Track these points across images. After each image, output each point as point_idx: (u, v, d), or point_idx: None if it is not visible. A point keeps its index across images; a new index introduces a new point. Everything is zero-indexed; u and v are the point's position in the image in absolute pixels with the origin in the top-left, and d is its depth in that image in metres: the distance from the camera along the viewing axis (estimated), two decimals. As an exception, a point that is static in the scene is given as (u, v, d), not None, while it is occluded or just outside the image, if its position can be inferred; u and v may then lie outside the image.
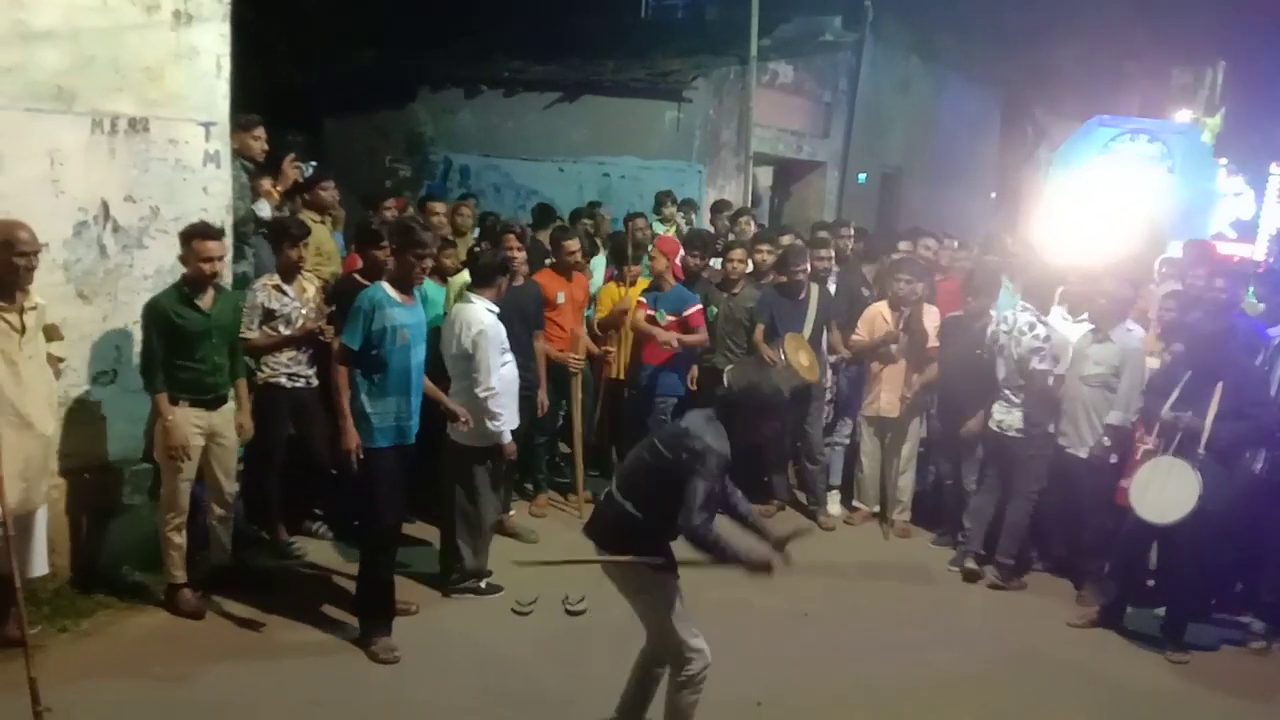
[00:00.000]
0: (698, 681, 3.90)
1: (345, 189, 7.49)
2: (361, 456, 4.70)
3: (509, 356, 5.48)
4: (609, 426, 7.23)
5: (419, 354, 4.85)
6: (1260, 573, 5.65)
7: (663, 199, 9.60)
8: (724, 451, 3.74)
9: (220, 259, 4.99)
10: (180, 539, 4.99)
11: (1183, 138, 9.28)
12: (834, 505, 7.15)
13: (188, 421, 4.91)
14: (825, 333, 6.89)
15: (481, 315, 5.25)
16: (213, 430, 5.03)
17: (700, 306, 6.68)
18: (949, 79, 16.15)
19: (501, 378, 5.32)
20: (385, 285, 4.80)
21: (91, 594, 5.04)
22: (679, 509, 3.67)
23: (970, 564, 6.14)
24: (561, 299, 6.57)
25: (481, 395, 5.19)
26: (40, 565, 4.66)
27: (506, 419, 5.37)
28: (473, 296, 5.34)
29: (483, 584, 5.50)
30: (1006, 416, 5.95)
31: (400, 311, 4.73)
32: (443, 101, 12.24)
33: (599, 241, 8.29)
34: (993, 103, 18.04)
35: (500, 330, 5.34)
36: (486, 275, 5.43)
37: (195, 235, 4.86)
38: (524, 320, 6.07)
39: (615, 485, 4.00)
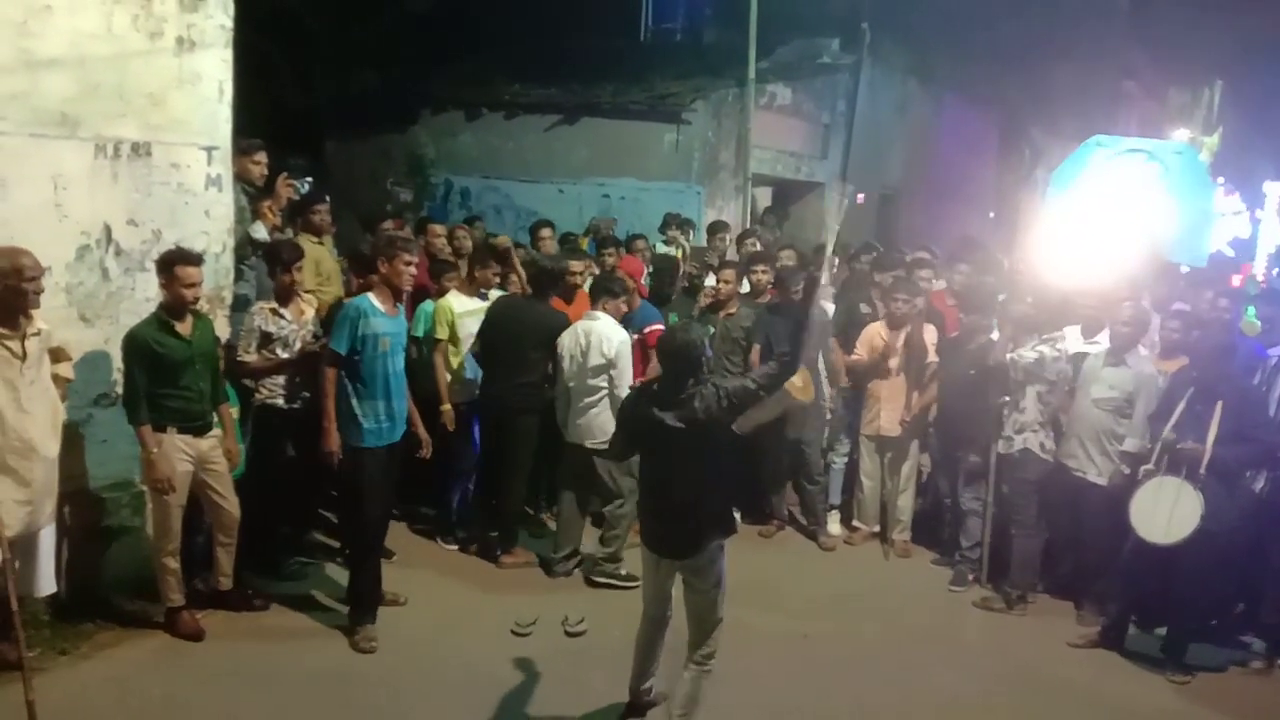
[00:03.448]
0: (713, 660, 4.26)
1: (347, 211, 7.52)
2: (342, 457, 5.02)
3: None
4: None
5: (399, 361, 5.21)
6: (1261, 593, 5.64)
7: (669, 220, 9.65)
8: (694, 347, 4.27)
9: (201, 284, 4.97)
10: (175, 564, 4.99)
11: (1180, 157, 9.23)
12: (834, 525, 7.13)
13: (175, 450, 4.89)
14: (822, 353, 6.88)
15: (617, 330, 5.99)
16: (202, 457, 5.01)
17: (659, 325, 6.59)
18: (946, 100, 16.22)
19: None
20: (371, 295, 5.12)
21: (91, 616, 5.04)
22: (729, 460, 4.34)
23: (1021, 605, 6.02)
24: None
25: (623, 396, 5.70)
26: (47, 584, 4.67)
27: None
28: (598, 314, 5.99)
29: (622, 570, 5.95)
30: (1065, 445, 5.91)
31: (383, 320, 5.07)
32: (444, 124, 12.33)
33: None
34: (990, 123, 18.10)
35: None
36: (599, 292, 6.12)
37: (177, 261, 4.84)
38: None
39: (677, 495, 4.18)
